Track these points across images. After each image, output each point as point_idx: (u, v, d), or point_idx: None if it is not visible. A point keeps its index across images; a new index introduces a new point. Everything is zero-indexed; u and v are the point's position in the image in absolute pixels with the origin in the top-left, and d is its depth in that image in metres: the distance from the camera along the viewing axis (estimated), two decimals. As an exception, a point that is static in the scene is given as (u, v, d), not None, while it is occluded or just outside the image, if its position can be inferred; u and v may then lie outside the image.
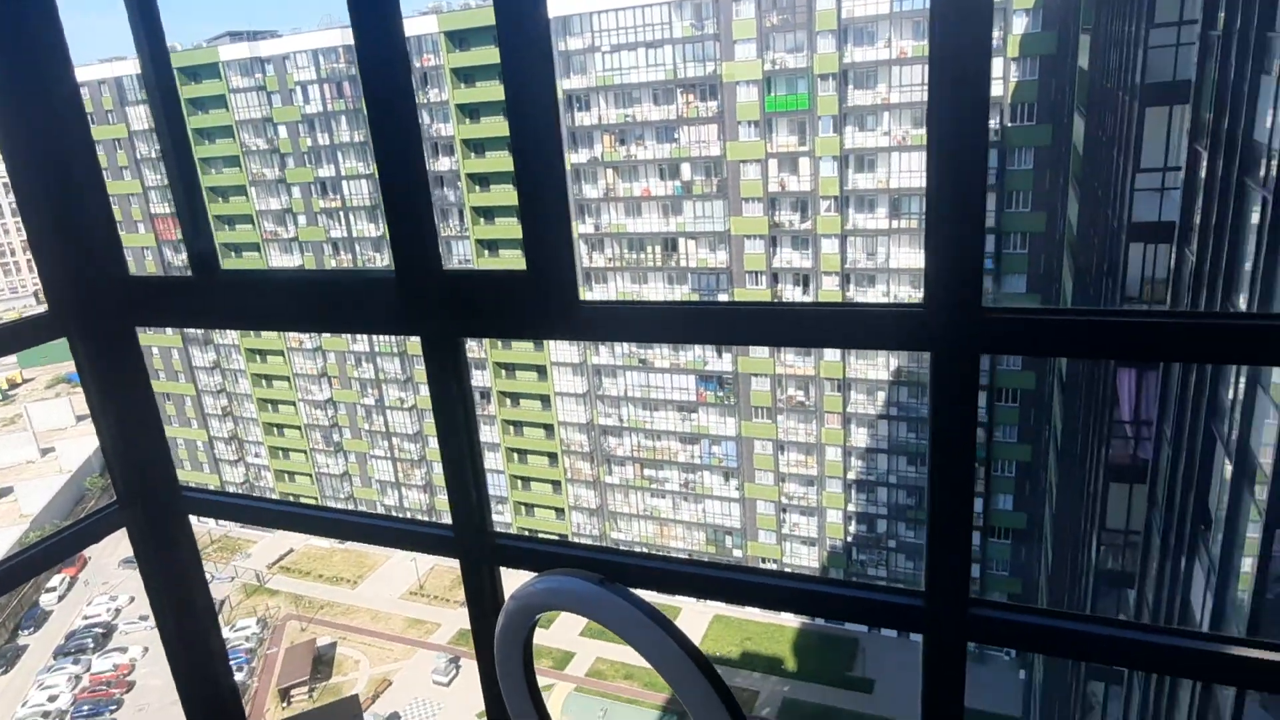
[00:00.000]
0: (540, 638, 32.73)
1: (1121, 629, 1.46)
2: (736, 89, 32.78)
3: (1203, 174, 11.58)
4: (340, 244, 41.07)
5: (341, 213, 40.59)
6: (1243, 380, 9.52)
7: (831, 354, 33.19)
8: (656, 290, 35.95)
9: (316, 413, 44.13)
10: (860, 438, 33.77)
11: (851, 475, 34.51)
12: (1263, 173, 9.39)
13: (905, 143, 30.81)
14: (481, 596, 1.98)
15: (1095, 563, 15.89)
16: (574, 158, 35.87)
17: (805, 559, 36.05)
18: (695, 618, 35.27)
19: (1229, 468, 9.68)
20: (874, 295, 33.04)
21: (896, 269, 31.64)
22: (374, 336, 36.45)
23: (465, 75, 37.26)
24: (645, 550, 32.21)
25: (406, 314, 1.88)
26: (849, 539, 35.18)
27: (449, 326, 1.80)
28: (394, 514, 40.53)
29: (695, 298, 32.61)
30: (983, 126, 1.19)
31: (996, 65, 29.34)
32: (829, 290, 33.28)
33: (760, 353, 34.26)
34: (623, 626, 1.77)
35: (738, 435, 36.22)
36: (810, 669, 32.89)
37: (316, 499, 44.76)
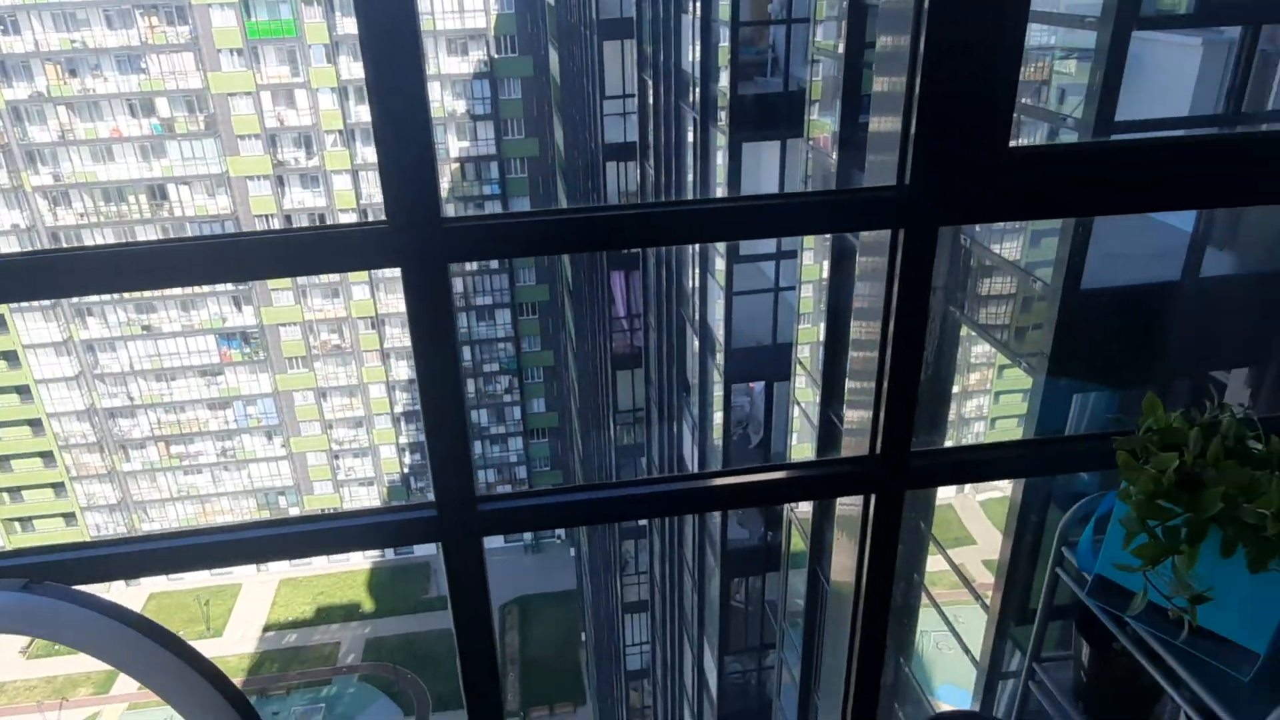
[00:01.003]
0: (72, 663, 28.27)
1: (598, 490, 1.50)
2: (210, 12, 29.58)
3: (651, 100, 13.70)
4: None
5: None
6: (698, 270, 11.74)
7: (361, 293, 32.69)
8: (149, 245, 31.56)
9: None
10: (401, 370, 34.09)
11: (399, 409, 34.82)
12: (692, 97, 11.47)
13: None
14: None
15: (614, 440, 18.47)
16: (7, 93, 29.55)
17: (366, 499, 35.84)
18: (259, 588, 33.27)
19: (696, 342, 11.99)
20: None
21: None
22: None
23: None
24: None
25: None
26: (405, 470, 35.70)
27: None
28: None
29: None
30: (415, 53, 1.21)
31: (479, -1, 30.58)
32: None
33: (285, 300, 32.43)
34: (74, 636, 1.30)
35: (274, 390, 34.16)
36: (388, 605, 33.24)
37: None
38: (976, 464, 1.56)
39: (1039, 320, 4.55)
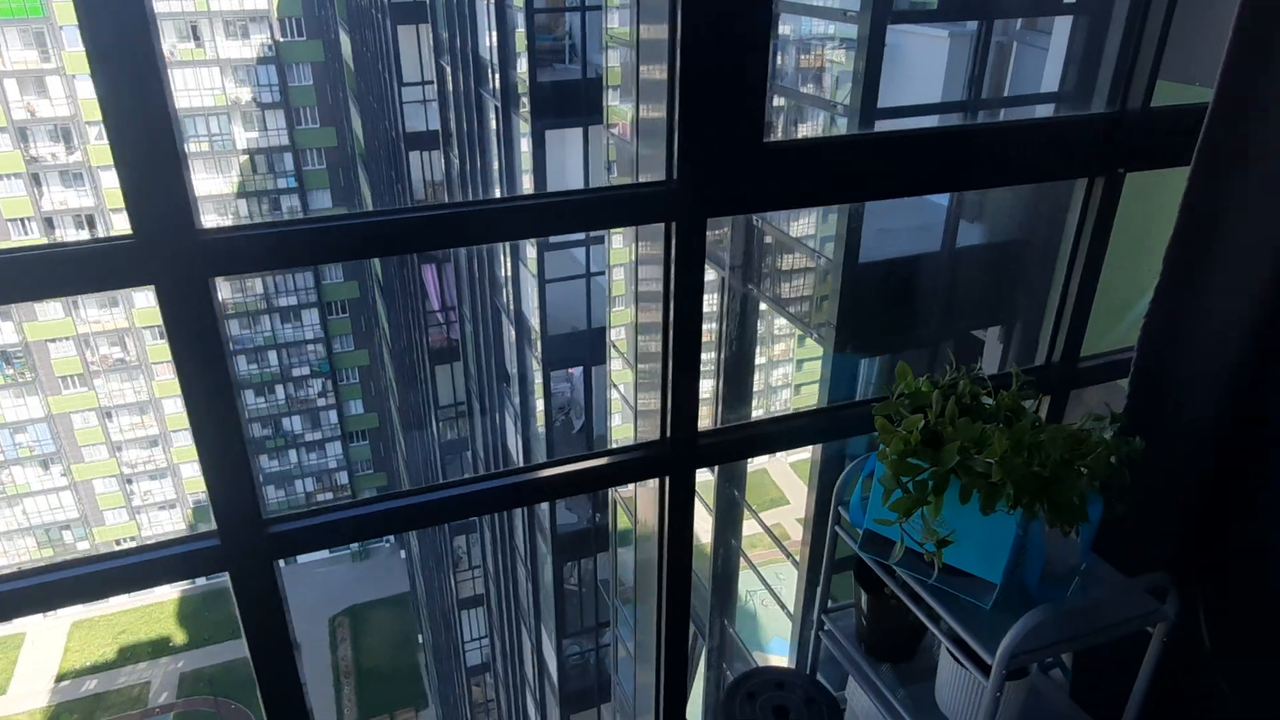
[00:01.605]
0: None
1: (389, 500, 1.46)
2: (-68, -8, 26.01)
3: (450, 86, 13.40)
4: None
5: None
6: (509, 260, 11.66)
7: (145, 299, 29.99)
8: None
9: None
10: (199, 381, 31.53)
11: (199, 422, 32.29)
12: (492, 84, 11.33)
13: (173, 58, 28.39)
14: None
15: (438, 437, 18.08)
16: None
17: (169, 524, 33.12)
18: (47, 634, 30.05)
19: (513, 332, 11.92)
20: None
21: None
22: None
23: None
24: None
25: None
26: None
27: None
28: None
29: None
30: (146, 34, 1.10)
31: (254, -23, 28.61)
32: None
33: (53, 313, 29.25)
34: None
35: (47, 414, 30.79)
36: (201, 634, 30.95)
37: None
38: (761, 438, 1.67)
39: (826, 292, 4.88)
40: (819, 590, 1.83)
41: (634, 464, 1.53)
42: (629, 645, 9.70)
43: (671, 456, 1.52)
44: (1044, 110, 4.01)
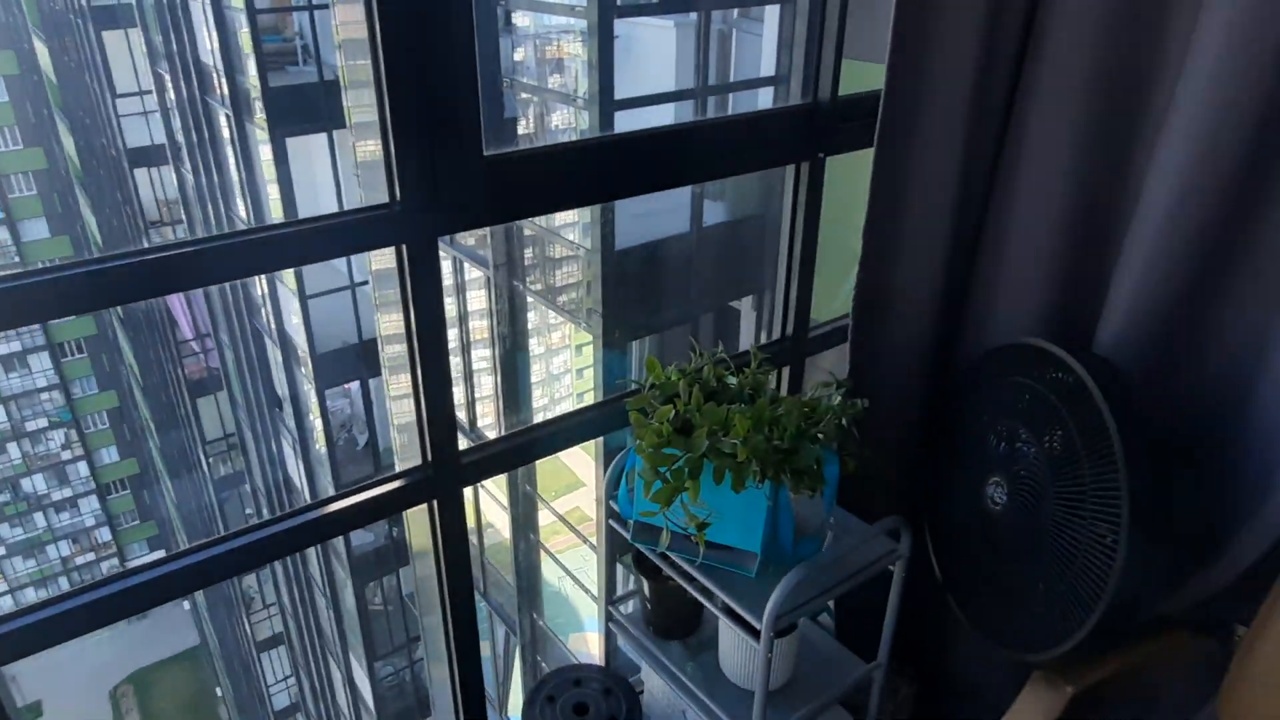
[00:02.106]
0: None
1: (111, 584, 1.28)
2: None
3: (172, 95, 12.24)
4: None
5: None
6: (264, 277, 10.89)
7: None
8: None
9: None
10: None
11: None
12: (219, 91, 10.47)
13: None
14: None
15: (209, 474, 16.68)
16: None
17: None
18: None
19: (279, 353, 11.17)
20: None
21: None
22: None
23: None
24: None
25: None
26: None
27: None
28: None
29: None
30: None
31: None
32: None
33: None
34: None
35: None
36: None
37: None
38: (526, 446, 1.68)
39: (590, 279, 4.98)
40: (603, 584, 1.88)
41: (403, 493, 1.49)
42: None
43: (434, 480, 1.50)
44: (766, 93, 4.30)
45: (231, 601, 19.25)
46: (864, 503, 1.76)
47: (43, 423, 26.62)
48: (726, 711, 1.66)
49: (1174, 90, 1.30)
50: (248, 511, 17.60)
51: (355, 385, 10.77)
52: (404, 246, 1.35)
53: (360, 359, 9.87)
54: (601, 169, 1.49)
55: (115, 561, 25.69)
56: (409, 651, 12.52)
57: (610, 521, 1.74)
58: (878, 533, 1.56)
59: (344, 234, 1.35)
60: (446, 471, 1.50)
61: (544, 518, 7.21)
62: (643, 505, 1.53)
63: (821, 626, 2.00)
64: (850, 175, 1.93)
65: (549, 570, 7.17)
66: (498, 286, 5.66)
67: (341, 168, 9.48)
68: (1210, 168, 1.27)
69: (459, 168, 1.32)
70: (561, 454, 1.76)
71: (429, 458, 1.49)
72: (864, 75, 1.80)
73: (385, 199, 1.32)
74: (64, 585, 25.19)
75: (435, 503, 1.53)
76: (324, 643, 14.21)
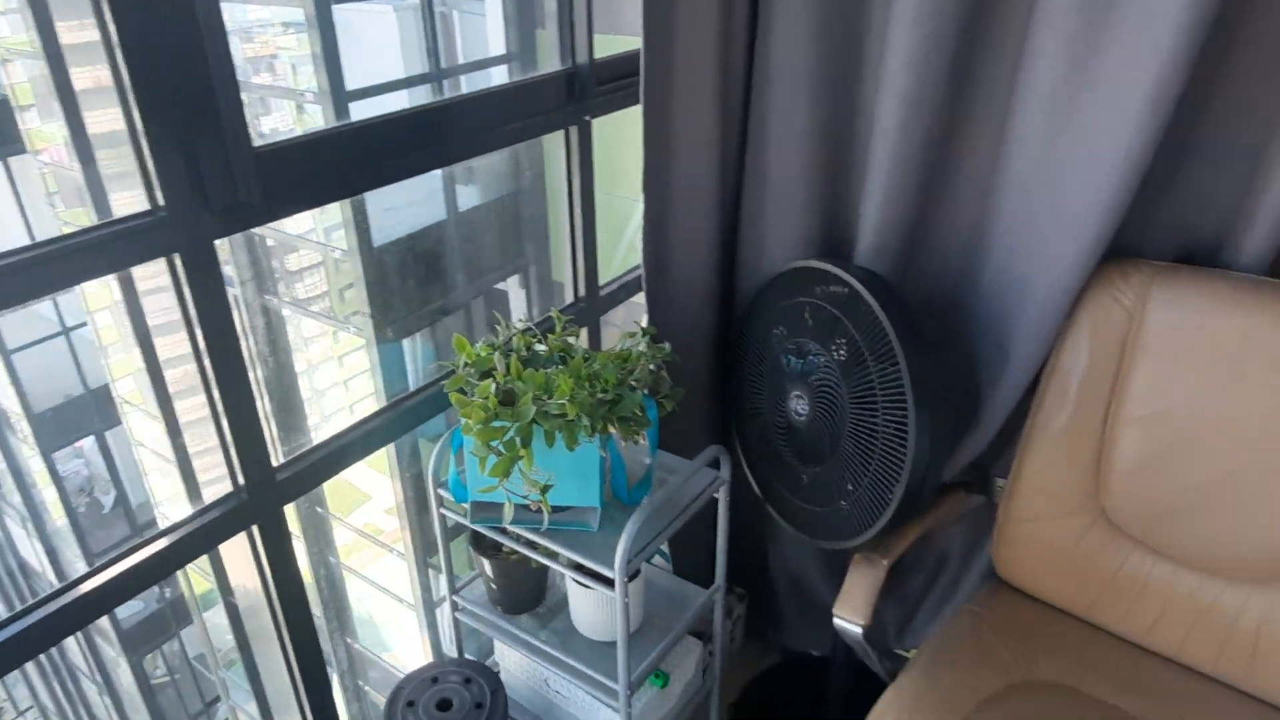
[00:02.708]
0: None
1: None
2: None
3: None
4: None
5: None
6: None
7: None
8: None
9: None
10: None
11: None
12: None
13: None
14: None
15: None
16: None
17: None
18: None
19: (-18, 422, 9.67)
20: None
21: None
22: None
23: None
24: None
25: None
26: None
27: None
28: None
29: None
30: None
31: None
32: None
33: None
34: None
35: None
36: None
37: None
38: (341, 451, 1.61)
39: (347, 283, 4.76)
40: (444, 573, 1.85)
41: (217, 526, 1.38)
42: (247, 709, 8.79)
43: (254, 505, 1.40)
44: (499, 72, 4.29)
45: (-28, 717, 16.58)
46: (682, 441, 1.86)
47: None
48: (589, 666, 1.71)
49: (890, 19, 1.47)
50: None
51: (88, 442, 9.58)
52: (176, 256, 1.25)
53: (93, 409, 8.78)
54: (380, 151, 1.45)
55: None
56: (209, 716, 11.48)
57: (442, 510, 1.72)
58: (700, 465, 1.66)
59: (105, 250, 1.22)
60: (264, 492, 1.41)
61: (339, 538, 6.85)
62: (478, 484, 1.53)
63: (657, 566, 2.10)
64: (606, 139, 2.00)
65: (357, 590, 6.84)
66: (248, 303, 5.25)
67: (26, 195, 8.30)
68: (927, 84, 1.46)
69: (227, 163, 1.23)
70: (343, 472, 1.70)
71: (241, 481, 1.40)
72: (610, 47, 1.88)
73: (111, 216, 1.21)
74: None
75: (257, 528, 1.43)
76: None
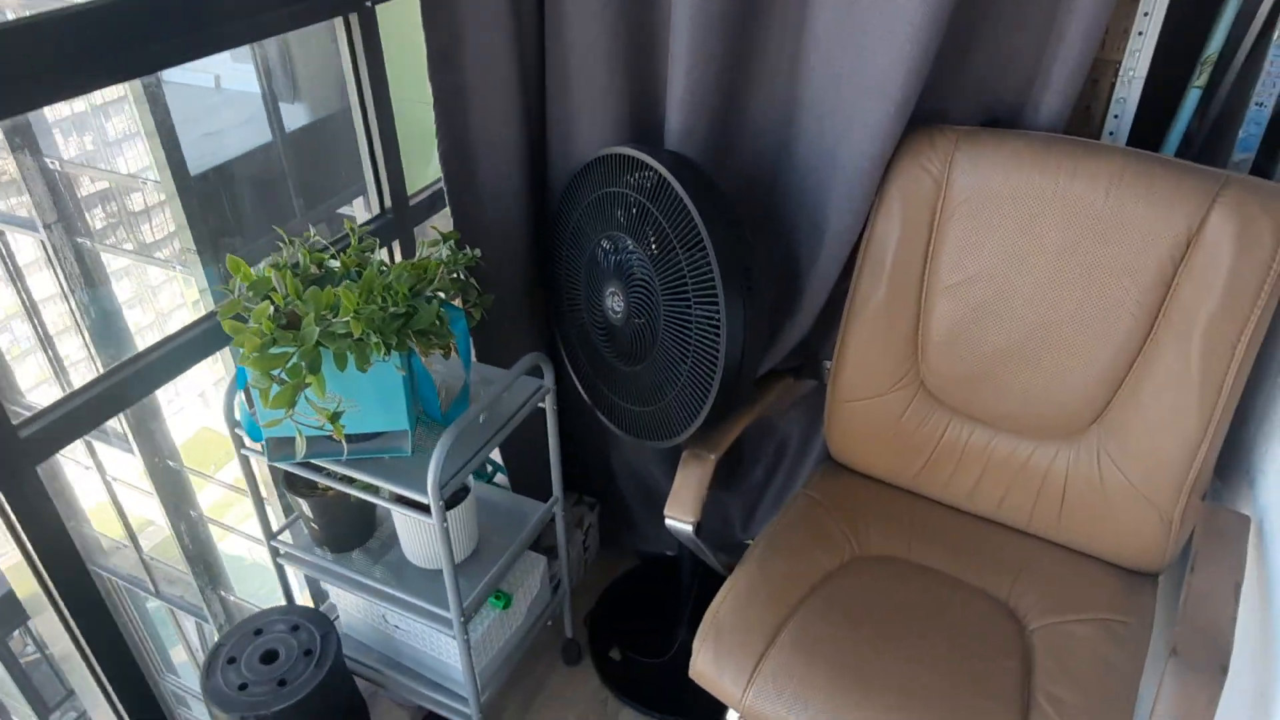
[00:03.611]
0: None
1: None
2: None
3: None
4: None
5: None
6: None
7: None
8: None
9: None
10: None
11: None
12: None
13: None
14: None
15: None
16: None
17: None
18: None
19: None
20: None
21: None
22: None
23: None
24: None
25: None
26: None
27: None
28: None
29: None
30: None
31: None
32: None
33: None
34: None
35: None
36: None
37: None
38: (111, 393, 1.43)
39: (170, 218, 4.37)
40: (257, 519, 1.72)
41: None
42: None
43: (-8, 464, 1.23)
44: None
45: None
46: (506, 352, 1.76)
47: None
48: (422, 598, 1.63)
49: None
50: None
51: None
52: None
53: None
54: (126, 35, 1.23)
55: None
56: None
57: (243, 451, 1.58)
58: (517, 374, 1.57)
59: None
60: (3, 454, 1.24)
61: (209, 497, 6.53)
62: (266, 418, 1.39)
63: (501, 486, 2.02)
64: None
65: (231, 546, 6.56)
66: (57, 249, 4.76)
67: None
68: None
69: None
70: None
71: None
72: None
73: None
74: None
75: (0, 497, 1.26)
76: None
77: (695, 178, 1.40)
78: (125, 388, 1.42)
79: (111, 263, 5.15)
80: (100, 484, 7.30)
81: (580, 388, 1.76)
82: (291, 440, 1.48)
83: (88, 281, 4.98)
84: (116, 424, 5.63)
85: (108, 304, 5.16)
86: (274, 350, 1.31)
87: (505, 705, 2.01)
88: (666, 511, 1.52)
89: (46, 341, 5.82)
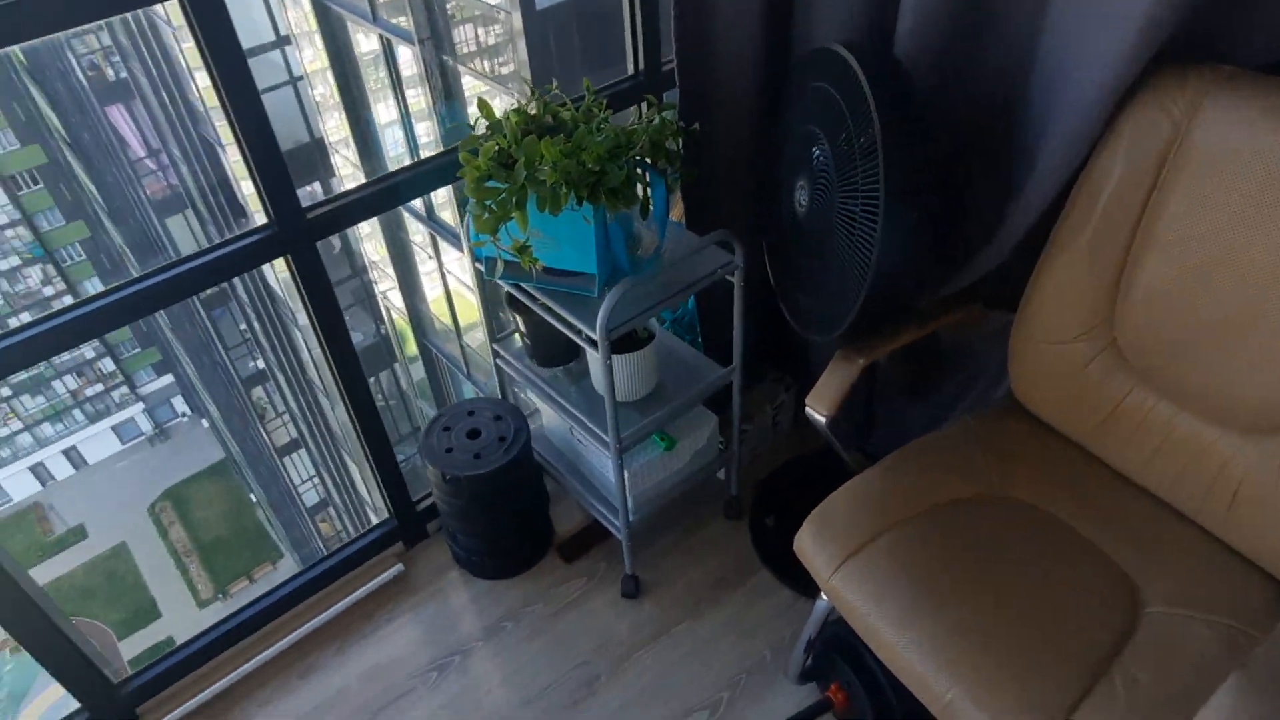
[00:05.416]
0: None
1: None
2: None
3: None
4: None
5: None
6: (195, 86, 10.45)
7: None
8: None
9: None
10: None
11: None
12: None
13: None
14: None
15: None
16: None
17: None
18: None
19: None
20: None
21: None
22: None
23: None
24: None
25: None
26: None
27: None
28: None
29: None
30: None
31: None
32: None
33: None
34: None
35: None
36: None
37: None
38: (373, 199, 1.76)
39: (511, 42, 4.82)
40: (486, 327, 2.04)
41: (253, 249, 1.61)
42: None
43: (280, 237, 1.61)
44: None
45: (244, 413, 20.08)
46: (714, 225, 1.88)
47: (15, 260, 26.12)
48: (593, 420, 1.87)
49: None
50: (241, 327, 17.96)
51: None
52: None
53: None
54: None
55: (125, 389, 26.31)
56: (417, 436, 13.28)
57: (476, 265, 1.87)
58: (706, 244, 1.69)
59: None
60: (291, 226, 1.61)
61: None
62: (477, 239, 1.65)
63: (686, 344, 2.19)
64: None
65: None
66: (426, 61, 5.49)
67: None
68: None
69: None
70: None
71: (272, 215, 1.59)
72: None
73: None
74: (78, 417, 25.87)
75: (289, 258, 1.65)
76: (335, 442, 14.99)
77: (894, 88, 1.38)
78: (386, 196, 1.75)
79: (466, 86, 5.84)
80: (438, 278, 8.55)
81: (769, 270, 1.84)
82: (513, 263, 1.73)
83: (447, 95, 5.70)
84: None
85: (461, 117, 5.86)
86: (489, 184, 1.54)
87: (660, 532, 2.25)
88: (807, 400, 1.60)
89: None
